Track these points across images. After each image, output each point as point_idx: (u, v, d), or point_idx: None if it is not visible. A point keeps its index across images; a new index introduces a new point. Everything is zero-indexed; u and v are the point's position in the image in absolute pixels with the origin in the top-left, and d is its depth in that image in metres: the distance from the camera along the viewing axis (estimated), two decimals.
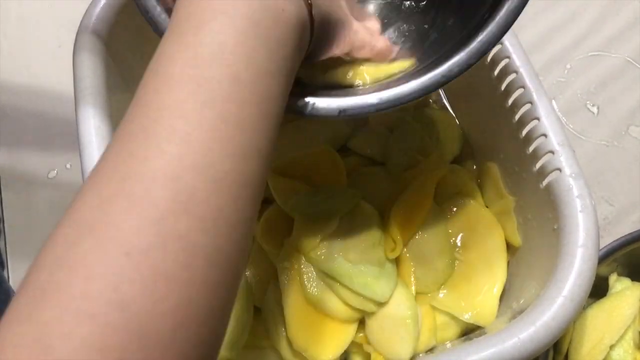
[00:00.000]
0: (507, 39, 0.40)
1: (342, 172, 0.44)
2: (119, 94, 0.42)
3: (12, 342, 0.17)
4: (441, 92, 0.51)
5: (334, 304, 0.40)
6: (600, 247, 0.41)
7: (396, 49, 0.34)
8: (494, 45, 0.28)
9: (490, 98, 0.43)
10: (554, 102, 0.58)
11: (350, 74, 0.32)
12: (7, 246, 0.52)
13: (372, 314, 0.39)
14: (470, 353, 0.32)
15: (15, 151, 0.56)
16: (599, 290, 0.44)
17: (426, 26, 0.37)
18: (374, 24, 0.35)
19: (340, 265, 0.39)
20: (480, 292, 0.41)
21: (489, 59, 0.42)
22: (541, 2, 0.60)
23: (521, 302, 0.38)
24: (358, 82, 0.32)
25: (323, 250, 0.40)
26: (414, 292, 0.41)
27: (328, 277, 0.40)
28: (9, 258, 0.52)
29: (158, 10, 0.29)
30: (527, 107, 0.39)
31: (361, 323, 0.41)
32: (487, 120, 0.45)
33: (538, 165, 0.38)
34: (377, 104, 0.28)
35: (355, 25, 0.31)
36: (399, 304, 0.39)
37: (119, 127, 0.22)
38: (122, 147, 0.21)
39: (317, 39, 0.27)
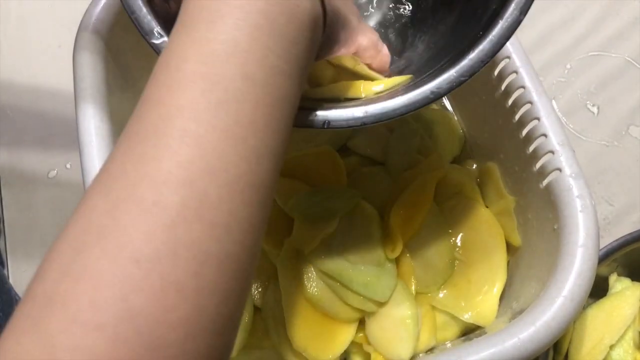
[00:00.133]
0: None
1: (342, 172, 0.44)
2: (119, 94, 0.42)
3: (18, 354, 0.17)
4: None
5: (334, 303, 0.40)
6: (600, 247, 0.41)
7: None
8: (485, 63, 0.28)
9: (491, 98, 0.43)
10: (554, 102, 0.58)
11: (347, 88, 0.31)
12: (7, 246, 0.52)
13: (372, 313, 0.40)
14: (470, 353, 0.32)
15: (15, 151, 0.56)
16: (599, 290, 0.44)
17: (420, 43, 0.37)
18: (375, 33, 0.34)
19: (340, 265, 0.40)
20: (480, 292, 0.41)
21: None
22: (541, 2, 0.60)
23: (521, 302, 0.38)
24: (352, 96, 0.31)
25: (323, 251, 0.40)
26: (414, 292, 0.41)
27: (328, 277, 0.40)
28: (8, 258, 0.52)
29: (144, 12, 0.29)
30: (527, 107, 0.39)
31: (361, 323, 0.41)
32: (487, 120, 0.45)
33: (538, 165, 0.38)
34: (363, 117, 0.28)
35: (363, 24, 0.31)
36: (399, 304, 0.39)
37: (128, 125, 0.21)
38: (131, 147, 0.20)
39: (326, 36, 0.26)
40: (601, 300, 0.44)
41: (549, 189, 0.37)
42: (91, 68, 0.40)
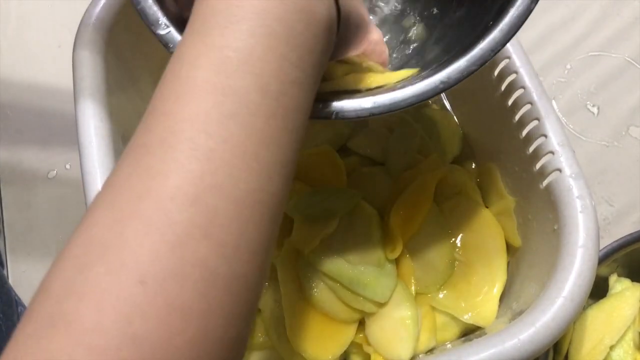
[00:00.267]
0: None
1: (342, 172, 0.44)
2: (119, 94, 0.42)
3: None
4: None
5: (334, 304, 0.40)
6: (600, 248, 0.41)
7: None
8: (496, 52, 0.27)
9: (491, 98, 0.43)
10: (554, 102, 0.57)
11: (357, 81, 0.31)
12: (7, 246, 0.52)
13: (372, 314, 0.39)
14: (470, 354, 0.32)
15: (15, 151, 0.56)
16: (599, 290, 0.44)
17: (430, 36, 0.37)
18: (379, 30, 0.34)
19: (340, 266, 0.39)
20: (480, 292, 0.41)
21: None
22: (541, 2, 0.60)
23: (521, 302, 0.38)
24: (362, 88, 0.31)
25: (323, 251, 0.40)
26: (414, 293, 0.41)
27: (328, 277, 0.40)
28: (8, 258, 0.52)
29: (149, 2, 0.28)
30: (527, 107, 0.39)
31: (361, 323, 0.41)
32: (487, 121, 0.45)
33: (538, 165, 0.38)
34: (371, 108, 0.27)
35: (372, 24, 0.30)
36: (399, 304, 0.39)
37: (135, 135, 0.20)
38: (138, 159, 0.19)
39: (339, 38, 0.25)
40: (601, 300, 0.44)
41: (549, 189, 0.37)
42: (91, 68, 0.39)
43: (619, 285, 0.44)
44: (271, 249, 0.21)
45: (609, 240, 0.44)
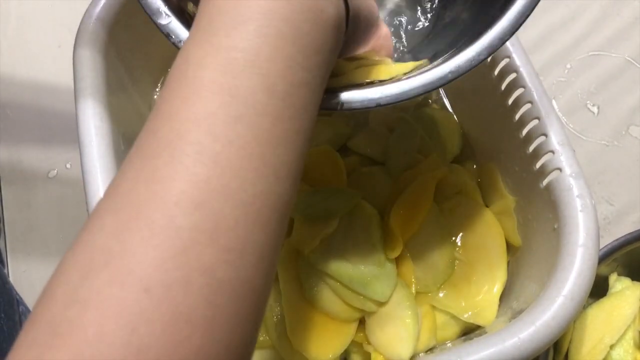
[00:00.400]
0: None
1: (342, 172, 0.44)
2: (119, 94, 0.42)
3: None
4: (441, 91, 0.51)
5: (334, 303, 0.40)
6: (601, 247, 0.41)
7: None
8: (504, 41, 0.27)
9: (491, 98, 0.43)
10: (554, 102, 0.57)
11: (366, 74, 0.31)
12: (7, 246, 0.52)
13: (372, 313, 0.39)
14: (471, 353, 0.32)
15: (15, 151, 0.56)
16: (599, 290, 0.44)
17: (438, 28, 0.37)
18: (385, 25, 0.34)
19: (340, 265, 0.39)
20: (481, 291, 0.41)
21: (489, 58, 0.42)
22: (541, 2, 0.60)
23: (521, 301, 0.38)
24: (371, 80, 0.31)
25: (323, 251, 0.40)
26: (414, 292, 0.41)
27: (328, 277, 0.40)
28: (8, 257, 0.52)
29: None
30: (527, 106, 0.39)
31: (361, 323, 0.41)
32: (487, 120, 0.45)
33: (538, 165, 0.38)
34: (379, 98, 0.27)
35: (380, 20, 0.30)
36: (399, 304, 0.39)
37: (140, 137, 0.19)
38: (143, 162, 0.19)
39: (347, 36, 0.25)
40: (601, 300, 0.44)
41: (549, 188, 0.37)
42: (91, 68, 0.40)
43: (619, 284, 0.44)
44: (278, 252, 0.20)
45: (609, 239, 0.44)
